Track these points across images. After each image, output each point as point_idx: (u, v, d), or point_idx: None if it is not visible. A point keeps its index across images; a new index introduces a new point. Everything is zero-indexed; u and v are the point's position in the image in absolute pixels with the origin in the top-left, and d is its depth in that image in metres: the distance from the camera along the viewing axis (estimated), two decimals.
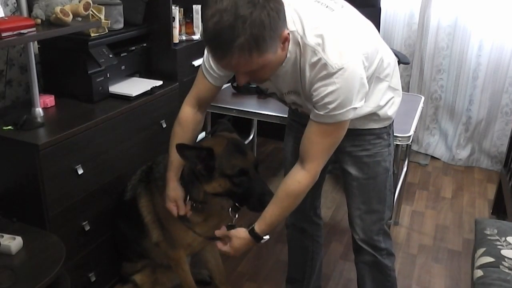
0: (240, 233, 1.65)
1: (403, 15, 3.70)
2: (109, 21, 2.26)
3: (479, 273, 1.79)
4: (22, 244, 1.74)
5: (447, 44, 3.60)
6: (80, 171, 1.95)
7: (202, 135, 2.88)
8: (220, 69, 1.62)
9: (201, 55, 2.82)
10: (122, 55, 2.38)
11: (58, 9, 1.88)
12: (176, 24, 2.64)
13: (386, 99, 1.65)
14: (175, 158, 1.80)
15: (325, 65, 1.37)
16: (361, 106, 1.47)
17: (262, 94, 2.76)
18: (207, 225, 1.99)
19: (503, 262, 1.80)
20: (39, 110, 1.98)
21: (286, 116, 2.49)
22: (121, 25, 2.38)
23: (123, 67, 2.42)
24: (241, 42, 1.22)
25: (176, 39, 2.64)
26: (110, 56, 2.22)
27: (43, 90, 2.20)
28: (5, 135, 1.85)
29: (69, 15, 1.91)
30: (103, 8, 2.16)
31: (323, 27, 1.40)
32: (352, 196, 1.81)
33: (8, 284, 1.57)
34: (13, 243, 1.71)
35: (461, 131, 3.74)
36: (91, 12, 2.04)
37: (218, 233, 1.71)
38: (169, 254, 2.09)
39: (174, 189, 1.85)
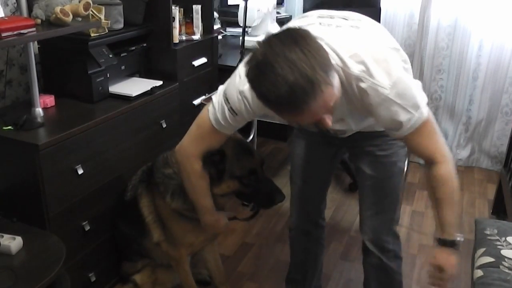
0: (443, 256, 1.51)
1: (403, 15, 3.69)
2: (109, 21, 2.26)
3: (479, 273, 1.79)
4: (22, 244, 1.74)
5: (447, 44, 3.60)
6: (80, 171, 1.95)
7: None
8: (240, 122, 1.58)
9: (201, 55, 2.85)
10: (122, 55, 2.38)
11: (58, 9, 1.88)
12: (176, 24, 2.64)
13: None
14: (208, 203, 1.81)
15: (376, 90, 1.35)
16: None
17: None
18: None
19: (503, 262, 1.80)
20: (39, 110, 1.98)
21: None
22: (121, 25, 2.38)
23: (123, 67, 2.42)
24: (311, 101, 1.18)
25: (176, 39, 2.64)
26: (110, 56, 2.22)
27: (43, 90, 2.20)
28: (5, 135, 1.85)
29: (69, 15, 1.91)
30: (103, 8, 2.16)
31: (360, 51, 1.36)
32: (365, 195, 1.80)
33: (8, 284, 1.57)
34: (13, 243, 1.71)
35: (461, 131, 3.74)
36: (91, 12, 2.04)
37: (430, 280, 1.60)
38: (170, 253, 2.09)
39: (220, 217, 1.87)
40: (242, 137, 1.93)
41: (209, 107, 1.58)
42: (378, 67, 1.35)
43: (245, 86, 1.41)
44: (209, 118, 1.58)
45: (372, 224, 1.80)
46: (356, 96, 1.39)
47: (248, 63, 1.23)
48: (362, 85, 1.36)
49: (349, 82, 1.37)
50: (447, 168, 1.45)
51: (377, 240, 1.81)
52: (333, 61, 1.32)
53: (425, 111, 1.41)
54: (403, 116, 1.37)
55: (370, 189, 1.77)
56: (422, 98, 1.41)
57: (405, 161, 1.76)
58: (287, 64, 1.14)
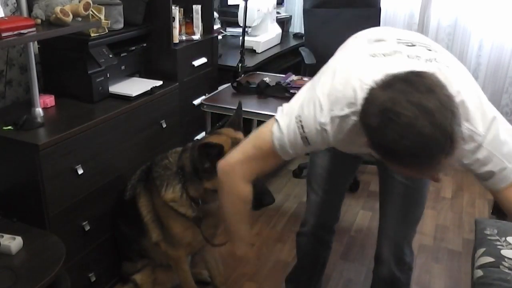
0: None
1: (403, 15, 3.70)
2: (109, 21, 2.26)
3: (479, 273, 1.79)
4: (22, 244, 1.74)
5: (447, 44, 3.60)
6: (80, 171, 1.95)
7: (202, 135, 2.88)
8: (308, 151, 1.47)
9: (201, 55, 2.85)
10: (122, 55, 2.38)
11: (58, 9, 1.88)
12: (176, 24, 2.64)
13: None
14: (245, 231, 1.65)
15: (472, 137, 1.25)
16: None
17: (262, 94, 2.76)
18: (205, 224, 1.99)
19: (503, 262, 1.80)
20: (39, 110, 1.98)
21: None
22: (121, 25, 2.37)
23: (123, 67, 2.41)
24: (438, 158, 1.09)
25: (176, 39, 2.64)
26: (110, 56, 2.22)
27: (43, 90, 2.20)
28: (5, 135, 1.85)
29: (69, 15, 1.91)
30: (103, 8, 2.15)
31: (455, 87, 1.23)
32: (392, 202, 1.73)
33: (8, 284, 1.57)
34: (13, 243, 1.70)
35: None
36: (91, 12, 2.04)
37: None
38: (169, 253, 2.09)
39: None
40: (241, 138, 1.93)
41: (274, 129, 1.38)
42: (475, 110, 1.25)
43: (327, 119, 1.30)
44: (272, 141, 1.38)
45: (395, 233, 1.74)
46: None
47: (365, 106, 1.12)
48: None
49: None
50: None
51: (396, 250, 1.75)
52: None
53: None
54: (497, 166, 1.28)
55: (399, 197, 1.69)
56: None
57: None
58: (423, 115, 1.04)
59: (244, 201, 1.54)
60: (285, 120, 1.38)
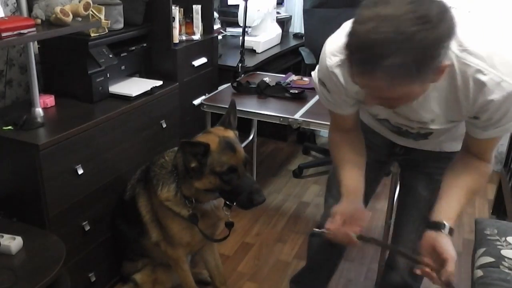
0: (445, 243, 1.28)
1: None
2: (109, 21, 2.26)
3: (479, 273, 1.78)
4: (22, 244, 1.74)
5: None
6: (80, 171, 1.95)
7: None
8: (347, 94, 1.37)
9: (201, 55, 2.85)
10: (122, 55, 2.38)
11: (58, 9, 1.88)
12: (176, 24, 2.64)
13: None
14: (349, 180, 1.49)
15: (499, 85, 1.15)
16: None
17: (262, 94, 2.76)
18: (203, 224, 1.99)
19: (503, 262, 1.80)
20: (39, 110, 1.98)
21: (286, 116, 2.50)
22: (121, 25, 2.38)
23: (123, 67, 2.41)
24: (390, 64, 0.99)
25: (176, 39, 2.64)
26: (110, 56, 2.22)
27: (43, 90, 2.20)
28: (5, 135, 1.85)
29: (69, 15, 1.91)
30: (103, 8, 2.15)
31: (484, 36, 1.19)
32: (411, 215, 1.66)
33: (8, 284, 1.56)
34: (13, 243, 1.70)
35: None
36: (91, 12, 2.04)
37: (421, 271, 1.30)
38: (169, 253, 2.09)
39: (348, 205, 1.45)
40: (231, 135, 1.92)
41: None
42: (506, 59, 1.16)
43: (332, 63, 1.31)
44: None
45: (413, 245, 1.65)
46: (468, 92, 1.19)
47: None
48: (482, 77, 1.15)
49: (463, 74, 1.18)
50: (487, 171, 1.38)
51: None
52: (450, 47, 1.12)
53: None
54: (506, 119, 1.21)
55: (418, 209, 1.63)
56: None
57: None
58: (396, 13, 0.98)
59: (336, 144, 1.54)
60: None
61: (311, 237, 2.00)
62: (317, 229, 1.44)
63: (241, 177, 1.84)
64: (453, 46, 1.13)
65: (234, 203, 1.90)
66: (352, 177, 1.48)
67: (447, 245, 1.26)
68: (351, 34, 1.06)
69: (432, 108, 1.29)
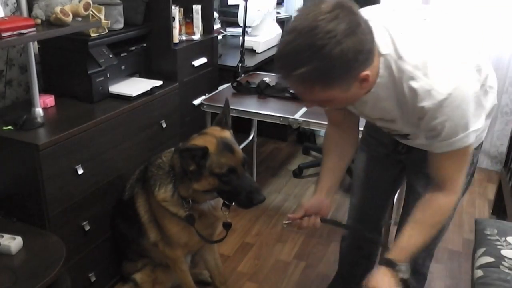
0: (383, 279, 1.36)
1: None
2: (109, 21, 2.26)
3: (479, 273, 1.79)
4: (22, 244, 1.74)
5: None
6: (80, 171, 1.95)
7: None
8: None
9: (201, 55, 2.85)
10: (122, 55, 2.38)
11: (58, 9, 1.88)
12: (176, 24, 2.64)
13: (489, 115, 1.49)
14: (324, 178, 1.63)
15: (429, 93, 1.21)
16: (482, 127, 1.35)
17: (262, 94, 2.76)
18: (201, 224, 1.99)
19: (503, 262, 1.80)
20: (39, 110, 1.98)
21: (286, 116, 2.50)
22: (121, 25, 2.38)
23: (123, 67, 2.41)
24: (301, 73, 1.12)
25: (176, 39, 2.64)
26: (110, 56, 2.22)
27: (43, 90, 2.20)
28: (5, 135, 1.85)
29: (69, 15, 1.91)
30: (103, 8, 2.15)
31: (423, 45, 1.24)
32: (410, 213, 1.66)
33: (8, 284, 1.57)
34: (13, 243, 1.71)
35: None
36: (91, 12, 2.04)
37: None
38: (167, 253, 2.09)
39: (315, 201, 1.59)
40: (227, 135, 1.92)
41: None
42: (439, 67, 1.21)
43: None
44: None
45: None
46: (406, 97, 1.26)
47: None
48: (414, 84, 1.22)
49: (399, 79, 1.25)
50: (449, 203, 1.38)
51: (413, 262, 1.63)
52: (386, 50, 1.23)
53: (472, 138, 1.28)
54: (446, 130, 1.25)
55: None
56: (476, 124, 1.29)
57: (465, 191, 1.58)
58: (309, 28, 1.10)
59: (326, 138, 1.68)
60: None
61: (341, 241, 2.03)
62: (285, 222, 1.58)
63: (240, 177, 1.84)
64: (392, 53, 1.23)
65: (233, 203, 1.90)
66: (328, 175, 1.63)
67: (377, 279, 1.35)
68: (277, 44, 1.19)
69: (387, 108, 1.35)
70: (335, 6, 1.11)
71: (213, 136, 1.88)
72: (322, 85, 1.15)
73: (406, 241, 1.39)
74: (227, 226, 2.01)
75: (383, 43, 1.23)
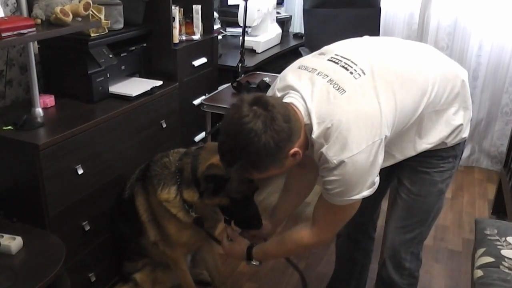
0: (241, 243, 1.74)
1: (403, 15, 3.69)
2: (109, 21, 2.26)
3: (479, 273, 1.79)
4: (22, 244, 1.74)
5: (447, 44, 3.60)
6: (80, 171, 1.95)
7: (202, 135, 2.88)
8: None
9: (201, 55, 2.85)
10: (122, 55, 2.38)
11: (58, 9, 1.88)
12: (176, 24, 2.64)
13: (452, 127, 1.56)
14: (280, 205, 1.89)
15: (325, 159, 1.37)
16: (370, 193, 1.44)
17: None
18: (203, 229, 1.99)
19: (503, 262, 1.80)
20: (39, 110, 1.98)
21: None
22: (121, 25, 2.38)
23: (123, 67, 2.42)
24: (237, 167, 1.34)
25: (176, 39, 2.64)
26: (110, 56, 2.22)
27: (43, 90, 2.20)
28: (5, 135, 1.85)
29: (69, 15, 1.91)
30: (103, 8, 2.16)
31: (333, 114, 1.36)
32: (395, 206, 1.75)
33: (8, 284, 1.57)
34: (13, 243, 1.71)
35: None
36: (91, 12, 2.04)
37: (229, 231, 1.80)
38: (167, 253, 2.09)
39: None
40: None
41: None
42: (338, 137, 1.35)
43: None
44: None
45: (393, 237, 1.75)
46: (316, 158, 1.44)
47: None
48: (318, 150, 1.39)
49: (314, 145, 1.41)
50: (306, 239, 1.58)
51: (394, 254, 1.75)
52: (307, 121, 1.38)
53: (352, 201, 1.43)
54: (332, 187, 1.41)
55: (402, 202, 1.71)
56: (362, 190, 1.41)
57: (449, 183, 1.68)
58: (235, 130, 1.32)
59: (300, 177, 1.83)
60: None
61: (336, 238, 2.06)
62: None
63: (250, 203, 1.85)
64: (308, 122, 1.38)
65: (229, 220, 1.90)
66: (281, 210, 1.89)
67: (239, 243, 1.76)
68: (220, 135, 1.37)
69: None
70: (252, 104, 1.30)
71: None
72: (258, 171, 1.37)
73: (270, 247, 1.70)
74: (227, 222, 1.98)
75: (304, 114, 1.38)
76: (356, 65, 1.44)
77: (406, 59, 1.54)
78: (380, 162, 1.42)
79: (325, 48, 1.57)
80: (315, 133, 1.37)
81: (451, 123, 1.56)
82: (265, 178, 1.46)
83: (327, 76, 1.42)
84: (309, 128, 1.39)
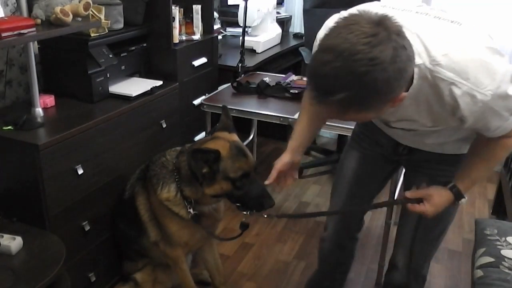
0: (441, 190, 1.45)
1: None
2: (109, 21, 2.26)
3: (479, 273, 1.79)
4: (22, 244, 1.74)
5: None
6: (80, 171, 1.95)
7: (202, 135, 2.88)
8: None
9: (201, 55, 2.85)
10: (122, 55, 2.38)
11: (58, 9, 1.88)
12: (176, 24, 2.64)
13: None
14: (297, 135, 1.66)
15: (474, 97, 1.18)
16: None
17: (262, 94, 2.76)
18: (204, 225, 1.99)
19: (503, 262, 1.80)
20: (39, 110, 1.98)
21: (286, 116, 2.50)
22: (121, 25, 2.38)
23: (123, 67, 2.42)
24: (341, 98, 1.05)
25: (176, 39, 2.64)
26: (110, 56, 2.22)
27: (43, 90, 2.20)
28: (5, 135, 1.85)
29: (69, 15, 1.91)
30: (103, 8, 2.15)
31: (459, 51, 1.18)
32: (411, 215, 1.62)
33: (8, 284, 1.57)
34: (13, 243, 1.71)
35: None
36: (91, 12, 2.04)
37: (410, 194, 1.49)
38: (167, 253, 2.09)
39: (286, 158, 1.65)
40: (238, 140, 1.92)
41: None
42: (481, 69, 1.18)
43: None
44: None
45: (412, 247, 1.69)
46: (445, 104, 1.22)
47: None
48: (456, 91, 1.18)
49: (436, 87, 1.20)
50: (510, 142, 1.35)
51: (413, 263, 1.72)
52: (420, 60, 1.17)
53: None
54: (495, 123, 1.25)
55: (416, 214, 1.58)
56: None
57: None
58: (351, 49, 1.02)
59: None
60: None
61: (320, 242, 1.99)
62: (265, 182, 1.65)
63: (253, 182, 1.84)
64: (426, 61, 1.18)
65: (242, 206, 1.87)
66: (301, 133, 1.65)
67: (438, 192, 1.44)
68: (312, 60, 1.11)
69: (411, 112, 1.32)
70: (378, 26, 1.03)
71: (225, 140, 1.87)
72: (357, 110, 1.10)
73: (475, 176, 1.44)
74: (244, 226, 1.87)
75: (416, 53, 1.15)
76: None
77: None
78: None
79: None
80: (443, 69, 1.17)
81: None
82: (344, 120, 1.22)
83: (429, 13, 1.28)
84: (422, 69, 1.19)
